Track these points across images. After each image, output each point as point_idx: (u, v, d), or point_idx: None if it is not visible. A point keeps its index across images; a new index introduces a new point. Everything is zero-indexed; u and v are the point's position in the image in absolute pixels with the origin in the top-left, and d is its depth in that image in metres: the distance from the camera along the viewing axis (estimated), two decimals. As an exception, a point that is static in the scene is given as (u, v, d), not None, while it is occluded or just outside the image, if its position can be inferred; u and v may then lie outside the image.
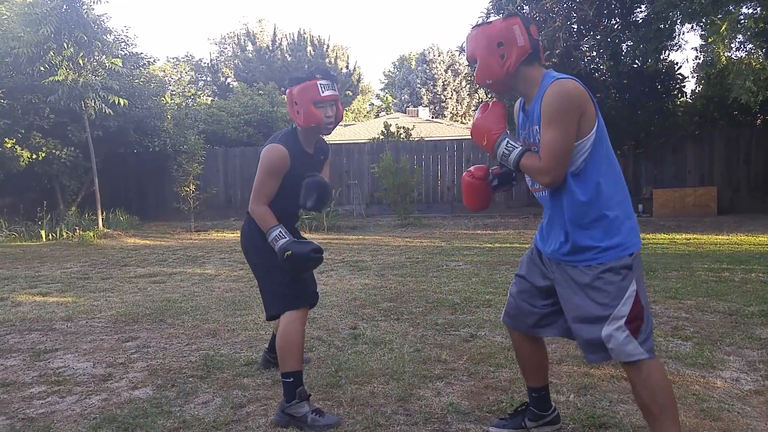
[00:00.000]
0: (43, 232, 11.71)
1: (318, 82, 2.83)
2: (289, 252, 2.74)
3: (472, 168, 2.53)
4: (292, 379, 2.78)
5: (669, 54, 13.81)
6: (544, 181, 2.21)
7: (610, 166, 2.20)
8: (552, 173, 2.16)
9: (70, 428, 2.78)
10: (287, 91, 2.93)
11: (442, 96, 41.10)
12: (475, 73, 2.35)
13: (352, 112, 38.85)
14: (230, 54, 36.50)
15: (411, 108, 36.70)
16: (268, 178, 2.84)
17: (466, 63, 15.90)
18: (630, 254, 2.21)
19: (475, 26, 2.32)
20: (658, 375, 2.17)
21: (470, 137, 2.68)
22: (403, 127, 18.34)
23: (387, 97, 50.43)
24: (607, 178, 2.18)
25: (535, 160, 2.20)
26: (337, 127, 3.12)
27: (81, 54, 11.59)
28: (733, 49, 12.48)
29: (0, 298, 5.88)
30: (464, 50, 2.60)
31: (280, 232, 2.80)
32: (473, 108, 19.39)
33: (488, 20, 2.41)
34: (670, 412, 2.17)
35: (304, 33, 33.55)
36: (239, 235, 3.19)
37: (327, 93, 2.84)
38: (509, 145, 2.26)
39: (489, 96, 15.04)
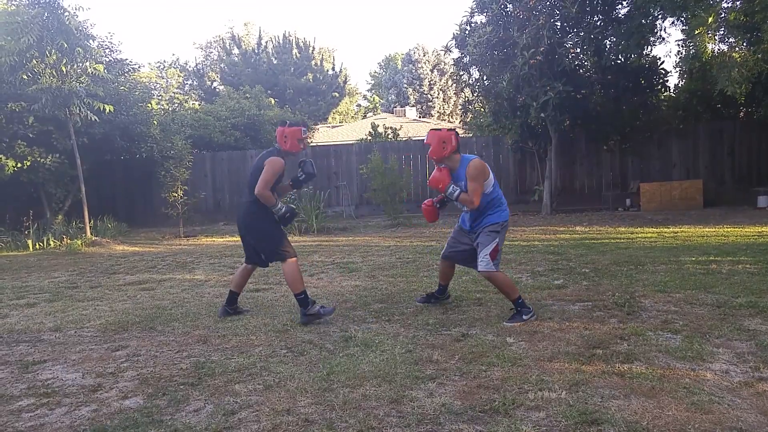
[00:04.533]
0: (30, 242, 11.57)
1: (302, 128, 4.93)
2: (287, 213, 4.80)
3: (426, 201, 4.90)
4: (303, 295, 4.66)
5: (652, 49, 13.92)
6: (471, 207, 4.53)
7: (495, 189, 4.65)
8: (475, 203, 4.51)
9: (60, 440, 2.75)
10: (279, 128, 4.87)
11: (428, 95, 41.17)
12: (428, 153, 4.66)
13: (339, 114, 38.77)
14: (216, 58, 36.31)
15: (398, 108, 36.74)
16: (273, 176, 4.69)
17: (452, 62, 15.95)
18: (498, 222, 4.56)
19: (434, 129, 4.69)
20: (502, 278, 4.53)
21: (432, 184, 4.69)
22: (391, 128, 18.36)
23: (374, 98, 50.41)
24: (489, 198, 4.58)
25: (465, 196, 4.50)
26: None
27: (64, 61, 11.47)
28: (716, 41, 12.62)
29: (-14, 310, 5.80)
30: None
31: (280, 205, 4.78)
32: (459, 107, 19.45)
33: (439, 128, 4.76)
34: (508, 289, 4.52)
35: (290, 35, 33.44)
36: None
37: (305, 135, 5.00)
38: (454, 188, 4.53)
39: (475, 95, 15.10)
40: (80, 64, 11.94)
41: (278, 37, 33.67)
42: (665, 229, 9.92)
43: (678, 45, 13.88)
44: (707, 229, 9.56)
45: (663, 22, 13.11)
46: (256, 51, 33.12)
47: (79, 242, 11.33)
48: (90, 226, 12.30)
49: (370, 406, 2.93)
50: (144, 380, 3.50)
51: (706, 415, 2.67)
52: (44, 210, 13.32)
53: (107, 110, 12.03)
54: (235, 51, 33.99)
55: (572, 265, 6.73)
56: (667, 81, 13.81)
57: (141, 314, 5.25)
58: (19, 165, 12.00)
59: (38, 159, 12.25)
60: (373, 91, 51.40)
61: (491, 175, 4.57)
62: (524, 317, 4.37)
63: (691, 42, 12.95)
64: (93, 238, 11.85)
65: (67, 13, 11.56)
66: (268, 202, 4.69)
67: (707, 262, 6.46)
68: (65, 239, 11.55)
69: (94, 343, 4.41)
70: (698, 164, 14.32)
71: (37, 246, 11.57)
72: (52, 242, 11.60)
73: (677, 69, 15.36)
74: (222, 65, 33.35)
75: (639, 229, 10.27)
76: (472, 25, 13.95)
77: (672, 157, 14.44)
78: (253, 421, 2.84)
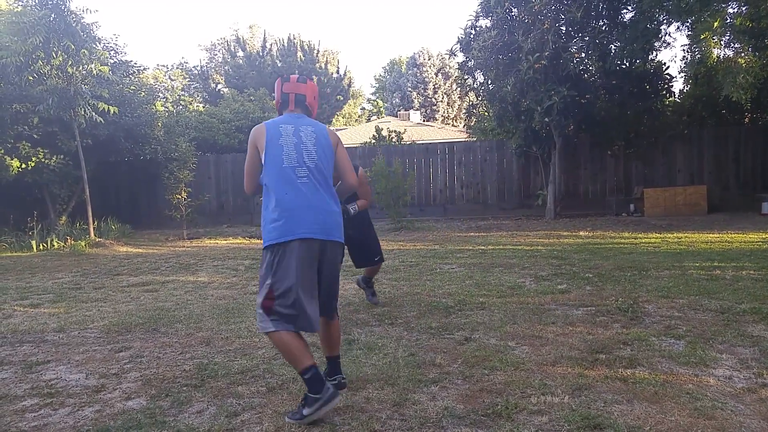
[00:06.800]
0: (34, 243, 11.61)
1: None
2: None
3: None
4: None
5: (657, 54, 13.91)
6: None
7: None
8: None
9: (63, 441, 2.76)
10: None
11: (432, 99, 41.24)
12: None
13: (343, 117, 38.89)
14: (220, 60, 36.44)
15: (402, 111, 36.80)
16: None
17: (456, 66, 15.95)
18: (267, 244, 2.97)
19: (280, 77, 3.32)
20: (277, 341, 2.89)
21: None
22: (395, 131, 18.37)
23: (378, 101, 50.51)
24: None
25: None
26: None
27: (70, 63, 11.54)
28: (722, 46, 12.61)
29: (-9, 310, 5.83)
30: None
31: None
32: (464, 111, 19.45)
33: (288, 77, 3.30)
34: (288, 358, 2.91)
35: (295, 38, 33.51)
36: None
37: None
38: None
39: (479, 99, 15.11)
40: (86, 66, 12.01)
41: (283, 39, 33.75)
42: (669, 235, 9.90)
43: (683, 50, 13.94)
44: (711, 235, 9.54)
45: (668, 27, 13.13)
46: (261, 54, 33.19)
47: (82, 243, 11.37)
48: (94, 228, 12.34)
49: (373, 409, 2.94)
50: (147, 381, 3.51)
51: (709, 421, 2.67)
52: (48, 211, 13.38)
53: (112, 112, 12.10)
54: (240, 53, 34.09)
55: (576, 270, 6.72)
56: (672, 86, 13.81)
57: (144, 316, 5.27)
58: (23, 166, 12.06)
59: (43, 160, 12.31)
60: (377, 94, 51.50)
61: (269, 153, 3.00)
62: (304, 412, 2.78)
63: (696, 47, 12.94)
64: (97, 240, 11.89)
65: (73, 15, 11.63)
66: None
67: (711, 268, 6.44)
68: (69, 240, 11.59)
69: (98, 344, 4.42)
70: (702, 170, 14.29)
71: (41, 247, 11.61)
72: (55, 243, 11.65)
73: (682, 74, 15.36)
74: (226, 67, 33.44)
75: (642, 234, 10.25)
76: (477, 29, 13.97)
77: (676, 162, 14.41)
78: (255, 423, 2.84)
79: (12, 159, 11.84)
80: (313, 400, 2.78)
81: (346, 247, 4.44)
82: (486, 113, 16.06)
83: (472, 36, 13.97)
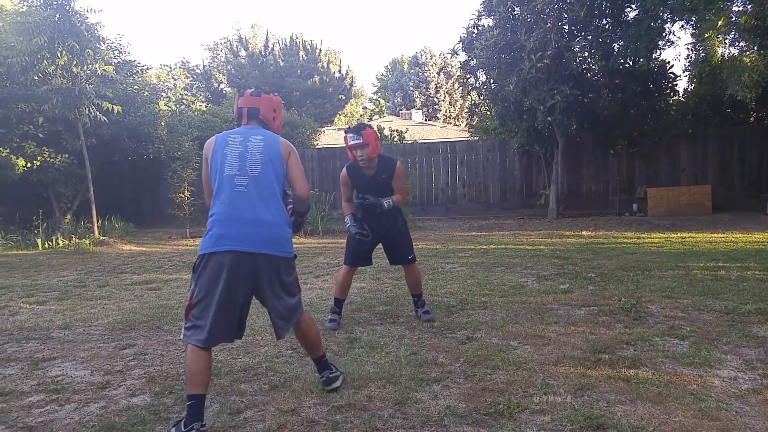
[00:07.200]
0: (39, 241, 11.65)
1: (347, 135, 4.44)
2: (349, 231, 4.59)
3: None
4: (333, 301, 4.77)
5: (661, 53, 13.85)
6: None
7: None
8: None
9: (67, 438, 2.77)
10: None
11: (435, 98, 41.18)
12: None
13: (345, 116, 38.80)
14: (223, 60, 36.44)
15: (404, 111, 36.76)
16: (341, 186, 4.67)
17: (459, 65, 15.93)
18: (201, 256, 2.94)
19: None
20: (188, 359, 2.78)
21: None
22: (397, 130, 18.36)
23: (380, 101, 50.46)
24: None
25: None
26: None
27: (74, 63, 11.57)
28: (727, 44, 12.56)
29: (-5, 308, 5.85)
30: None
31: (348, 218, 4.60)
32: (466, 110, 19.44)
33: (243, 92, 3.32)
34: (187, 378, 2.77)
35: (297, 38, 33.49)
36: None
37: (351, 143, 4.39)
38: None
39: (482, 98, 15.10)
40: (90, 66, 12.04)
41: (285, 39, 33.73)
42: (672, 235, 9.88)
43: (687, 49, 13.94)
44: (715, 235, 9.51)
45: (672, 25, 13.07)
46: (263, 53, 33.17)
47: (87, 242, 11.40)
48: (98, 226, 12.38)
49: (375, 408, 2.94)
50: (151, 378, 3.53)
51: (714, 422, 2.66)
52: (53, 209, 13.43)
53: (116, 111, 12.12)
54: (242, 53, 34.08)
55: (578, 270, 6.71)
56: (676, 85, 13.72)
57: (148, 313, 5.29)
58: (29, 165, 12.11)
59: (48, 159, 12.35)
60: (379, 93, 51.47)
61: (214, 162, 3.08)
62: (172, 431, 2.67)
63: (700, 46, 12.88)
64: (101, 238, 11.93)
65: (78, 15, 11.65)
66: (345, 211, 4.71)
67: (715, 268, 6.43)
68: (74, 238, 11.63)
69: (102, 341, 4.44)
70: (707, 169, 14.24)
71: (47, 245, 11.66)
72: (60, 241, 11.69)
73: (686, 73, 15.27)
74: (229, 67, 33.44)
75: (646, 234, 10.23)
76: (479, 28, 13.95)
77: (680, 162, 14.37)
78: (258, 421, 2.85)
79: (18, 158, 11.89)
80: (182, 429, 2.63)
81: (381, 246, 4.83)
82: (488, 112, 16.04)
83: (474, 35, 13.95)
